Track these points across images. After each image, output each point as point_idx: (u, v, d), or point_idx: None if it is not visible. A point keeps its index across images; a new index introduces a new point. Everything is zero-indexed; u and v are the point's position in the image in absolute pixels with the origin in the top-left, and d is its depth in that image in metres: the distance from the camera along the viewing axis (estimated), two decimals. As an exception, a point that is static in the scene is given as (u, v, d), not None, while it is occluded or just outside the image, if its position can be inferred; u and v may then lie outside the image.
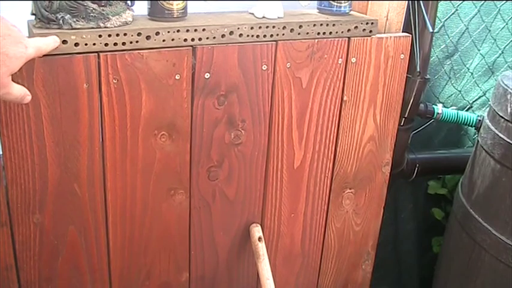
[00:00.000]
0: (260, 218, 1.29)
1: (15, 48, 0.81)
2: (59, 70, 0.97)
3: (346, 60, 1.22)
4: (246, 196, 1.25)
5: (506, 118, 1.23)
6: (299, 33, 1.15)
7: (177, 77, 1.06)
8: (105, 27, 0.98)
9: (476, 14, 1.57)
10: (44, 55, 0.92)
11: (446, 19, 1.54)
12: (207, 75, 1.09)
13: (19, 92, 0.85)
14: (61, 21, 0.94)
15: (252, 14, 1.17)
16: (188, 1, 1.07)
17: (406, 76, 1.31)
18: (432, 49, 1.49)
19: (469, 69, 1.63)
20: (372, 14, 1.28)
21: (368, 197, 1.41)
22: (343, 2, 1.20)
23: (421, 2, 1.31)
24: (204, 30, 1.06)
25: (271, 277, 1.20)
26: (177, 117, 1.10)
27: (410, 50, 1.29)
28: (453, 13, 1.54)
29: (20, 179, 1.02)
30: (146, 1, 1.06)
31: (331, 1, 1.20)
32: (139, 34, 1.00)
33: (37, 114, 0.98)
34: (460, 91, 1.65)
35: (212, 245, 1.26)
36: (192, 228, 1.22)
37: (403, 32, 1.30)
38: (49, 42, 0.90)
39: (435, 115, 1.53)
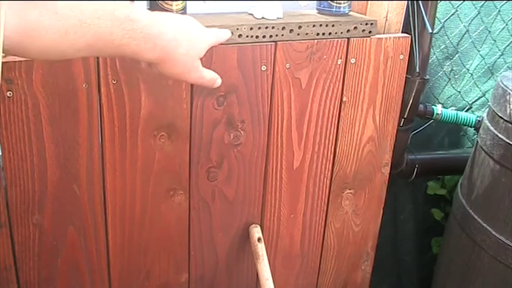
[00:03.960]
0: (259, 219, 1.29)
1: (198, 34, 0.86)
2: (58, 71, 0.97)
3: (346, 61, 1.22)
4: (246, 197, 1.25)
5: (505, 119, 1.23)
6: (298, 34, 1.15)
7: (176, 78, 1.06)
8: (104, 28, 0.98)
9: (476, 15, 1.57)
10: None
11: (446, 20, 1.54)
12: (206, 76, 1.09)
13: (210, 75, 0.90)
14: (60, 22, 0.94)
15: (251, 14, 1.17)
16: (187, 1, 1.07)
17: (406, 77, 1.31)
18: (432, 50, 1.49)
19: (468, 70, 1.63)
20: (371, 15, 1.28)
21: (367, 198, 1.41)
22: (342, 2, 1.20)
23: (420, 2, 1.31)
24: (203, 30, 1.06)
25: (270, 278, 1.20)
26: (176, 118, 1.10)
27: (410, 50, 1.29)
28: (453, 14, 1.54)
29: (20, 179, 1.02)
30: (145, 2, 1.06)
31: (330, 1, 1.20)
32: (138, 35, 1.00)
33: (36, 115, 0.98)
34: (459, 92, 1.64)
35: (211, 246, 1.27)
36: (192, 228, 1.22)
37: (402, 32, 1.30)
38: (224, 33, 0.94)
39: (434, 116, 1.53)
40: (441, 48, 1.57)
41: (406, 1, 1.29)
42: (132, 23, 0.74)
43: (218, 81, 0.92)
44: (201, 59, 0.87)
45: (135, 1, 1.04)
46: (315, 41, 1.17)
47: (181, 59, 0.83)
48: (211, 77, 0.90)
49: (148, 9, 1.06)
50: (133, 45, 0.75)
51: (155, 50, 0.78)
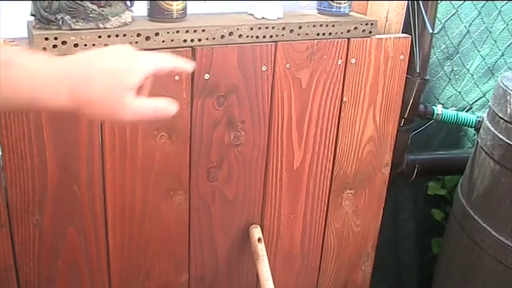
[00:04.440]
0: (260, 219, 1.29)
1: (124, 62, 0.70)
2: (58, 71, 0.97)
3: (346, 61, 1.22)
4: (246, 197, 1.25)
5: (505, 119, 1.23)
6: (298, 34, 1.15)
7: (176, 78, 1.06)
8: (104, 28, 0.98)
9: (476, 15, 1.57)
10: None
11: (447, 20, 1.54)
12: (206, 76, 1.09)
13: (153, 104, 0.72)
14: (60, 21, 0.94)
15: (252, 14, 1.16)
16: (188, 1, 1.07)
17: (406, 77, 1.31)
18: (432, 50, 1.49)
19: (469, 70, 1.63)
20: (372, 15, 1.28)
21: (368, 198, 1.41)
22: (342, 2, 1.20)
23: (420, 2, 1.31)
24: (203, 31, 1.06)
25: (270, 278, 1.20)
26: (176, 118, 1.10)
27: (410, 50, 1.29)
28: (453, 14, 1.54)
29: (20, 180, 1.02)
30: (146, 2, 1.06)
31: (330, 2, 1.20)
32: (138, 35, 1.00)
33: (36, 115, 0.98)
34: (460, 92, 1.64)
35: (212, 246, 1.26)
36: (192, 229, 1.22)
37: (402, 32, 1.30)
38: (178, 61, 0.78)
39: (435, 116, 1.53)
40: (441, 48, 1.57)
41: (407, 1, 1.29)
42: (7, 68, 0.61)
43: (171, 107, 0.74)
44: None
45: (134, 1, 1.04)
46: (315, 41, 1.17)
47: (101, 96, 0.67)
48: (155, 106, 0.72)
49: (149, 9, 1.06)
50: (23, 93, 0.62)
51: (58, 94, 0.64)
